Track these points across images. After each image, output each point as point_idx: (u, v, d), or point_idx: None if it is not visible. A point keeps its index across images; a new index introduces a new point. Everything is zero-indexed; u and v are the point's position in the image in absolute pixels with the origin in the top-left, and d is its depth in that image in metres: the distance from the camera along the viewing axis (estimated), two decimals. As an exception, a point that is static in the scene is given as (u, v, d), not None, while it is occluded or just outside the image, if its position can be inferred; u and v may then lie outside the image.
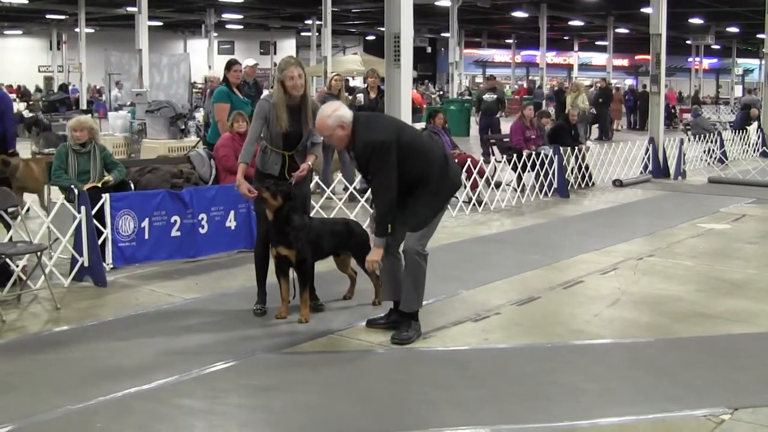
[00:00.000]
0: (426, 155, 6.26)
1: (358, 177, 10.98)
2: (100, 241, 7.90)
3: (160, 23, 43.11)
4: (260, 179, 6.73)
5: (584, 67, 56.89)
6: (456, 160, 12.49)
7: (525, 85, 48.25)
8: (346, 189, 11.46)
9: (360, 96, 14.12)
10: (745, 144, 21.23)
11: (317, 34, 39.87)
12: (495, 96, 20.85)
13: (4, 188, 7.85)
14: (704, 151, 19.52)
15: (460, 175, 6.62)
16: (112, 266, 8.12)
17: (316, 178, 10.48)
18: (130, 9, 29.03)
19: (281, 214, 6.55)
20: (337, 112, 6.14)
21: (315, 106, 6.84)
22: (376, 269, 6.54)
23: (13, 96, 34.37)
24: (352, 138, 6.15)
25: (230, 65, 10.53)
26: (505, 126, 18.40)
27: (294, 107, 6.72)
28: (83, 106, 31.49)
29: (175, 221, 8.52)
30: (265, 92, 12.25)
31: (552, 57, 53.60)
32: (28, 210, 8.35)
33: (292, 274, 6.78)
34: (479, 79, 61.30)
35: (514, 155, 13.62)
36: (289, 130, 6.70)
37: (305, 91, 6.80)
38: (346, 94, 15.77)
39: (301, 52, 49.42)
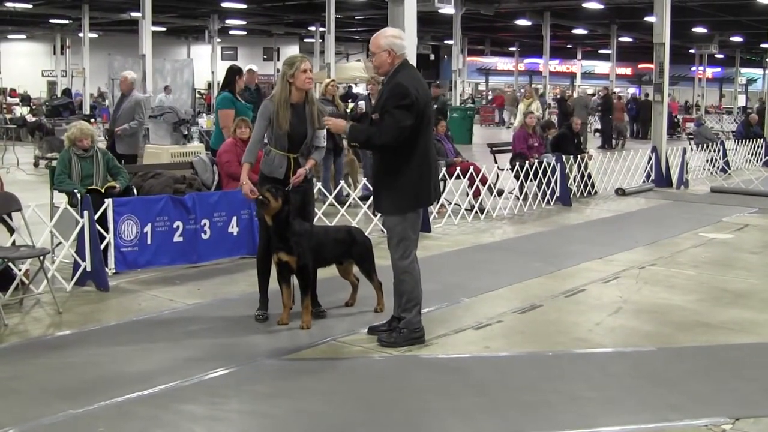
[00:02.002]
0: (423, 152, 6.22)
1: (360, 184, 10.97)
2: (102, 246, 7.90)
3: (164, 29, 43.13)
4: (264, 184, 6.72)
5: (587, 75, 56.89)
6: (459, 169, 12.59)
7: (506, 91, 47.74)
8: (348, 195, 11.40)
9: (361, 103, 14.08)
10: (748, 153, 21.22)
11: (320, 40, 39.87)
12: (435, 106, 19.86)
13: (7, 192, 7.86)
14: (707, 161, 19.52)
15: (433, 195, 6.46)
16: (114, 271, 8.12)
17: (318, 185, 10.47)
18: (133, 14, 29.09)
19: (281, 218, 6.55)
20: (396, 39, 6.23)
21: (321, 107, 6.86)
22: (329, 125, 6.51)
23: (15, 100, 34.50)
24: (393, 74, 6.20)
25: (241, 72, 10.63)
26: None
27: (298, 105, 6.71)
28: (86, 110, 31.49)
29: (178, 227, 8.52)
30: None
31: (555, 65, 53.60)
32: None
33: (294, 280, 6.78)
34: (482, 87, 61.44)
35: (517, 163, 13.63)
36: (293, 130, 6.68)
37: (310, 89, 6.80)
38: (342, 101, 15.73)
39: (304, 59, 49.29)
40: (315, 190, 7.85)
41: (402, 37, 6.31)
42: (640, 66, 57.29)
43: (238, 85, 10.47)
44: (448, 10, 32.81)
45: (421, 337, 6.36)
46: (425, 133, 6.22)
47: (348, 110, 14.56)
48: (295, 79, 6.63)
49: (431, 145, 6.40)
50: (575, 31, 43.29)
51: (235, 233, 9.01)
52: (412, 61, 10.88)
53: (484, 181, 12.74)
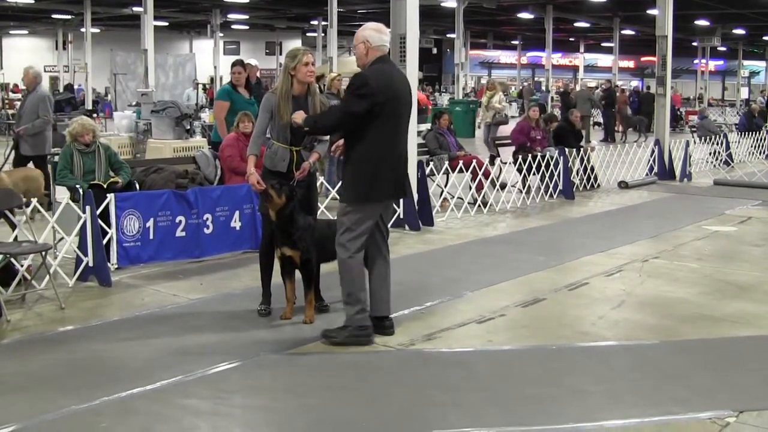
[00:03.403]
0: (380, 146, 6.16)
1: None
2: (104, 241, 7.89)
3: (166, 23, 43.12)
4: (267, 177, 6.71)
5: (590, 68, 56.79)
6: (462, 162, 12.58)
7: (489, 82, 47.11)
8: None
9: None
10: (751, 146, 21.19)
11: (323, 34, 39.85)
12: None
13: (8, 188, 7.86)
14: (710, 153, 19.49)
15: (393, 193, 6.41)
16: (116, 266, 8.11)
17: (321, 179, 10.47)
18: (135, 9, 29.02)
19: (284, 214, 6.54)
20: (373, 32, 6.27)
21: (323, 100, 6.86)
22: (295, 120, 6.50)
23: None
24: (367, 67, 6.27)
25: (231, 66, 10.62)
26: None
27: (300, 98, 6.70)
28: (89, 106, 31.49)
29: (180, 221, 8.52)
30: None
31: (558, 58, 53.52)
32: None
33: (297, 274, 6.77)
34: (484, 81, 61.36)
35: (520, 156, 13.61)
36: None
37: (312, 82, 6.79)
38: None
39: (306, 53, 49.27)
40: (318, 184, 7.85)
41: (381, 31, 6.30)
42: (642, 59, 57.23)
43: (236, 77, 10.42)
44: (450, 3, 32.94)
45: (368, 337, 6.21)
46: (383, 127, 6.13)
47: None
48: (296, 71, 6.63)
49: (394, 141, 6.26)
50: (578, 24, 43.22)
51: (237, 228, 9.01)
52: (414, 54, 11.00)
53: (486, 174, 12.73)
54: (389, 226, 10.59)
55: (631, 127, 28.80)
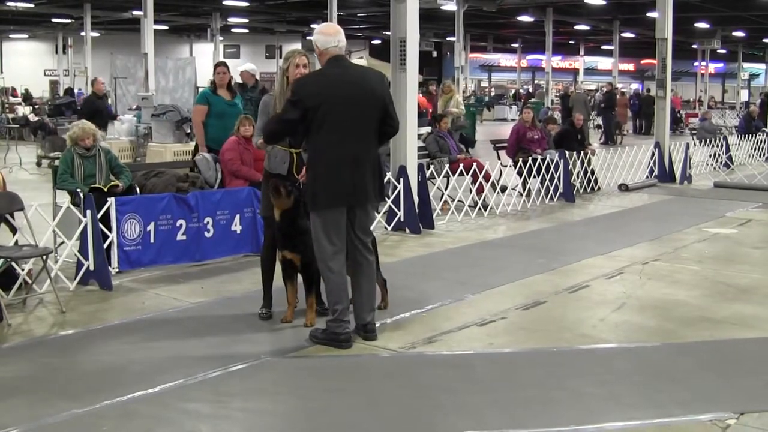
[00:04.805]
0: (326, 152, 6.05)
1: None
2: (105, 245, 7.90)
3: (166, 27, 43.17)
4: (268, 180, 6.72)
5: (590, 71, 56.80)
6: (462, 165, 12.58)
7: (444, 85, 46.23)
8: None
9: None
10: (751, 148, 21.19)
11: (323, 38, 39.83)
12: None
13: (10, 192, 7.86)
14: (710, 156, 19.49)
15: (344, 199, 6.11)
16: (117, 270, 8.12)
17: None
18: (135, 13, 29.07)
19: (289, 216, 6.55)
20: (320, 35, 6.22)
21: None
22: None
23: (18, 100, 34.48)
24: None
25: (215, 67, 10.59)
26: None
27: None
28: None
29: (181, 225, 8.52)
30: None
31: (558, 61, 53.54)
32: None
33: (299, 278, 6.78)
34: (485, 84, 61.38)
35: (520, 159, 13.62)
36: None
37: None
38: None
39: (306, 56, 49.30)
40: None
41: (327, 33, 6.22)
42: (642, 62, 57.25)
43: (220, 78, 10.36)
44: (450, 6, 32.94)
45: (341, 342, 6.14)
46: (325, 132, 6.02)
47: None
48: (289, 73, 6.66)
49: (343, 144, 6.04)
50: (578, 27, 43.25)
51: (238, 231, 9.01)
52: (414, 58, 10.99)
53: (487, 177, 12.74)
54: (390, 228, 10.65)
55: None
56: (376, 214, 8.68)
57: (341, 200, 6.11)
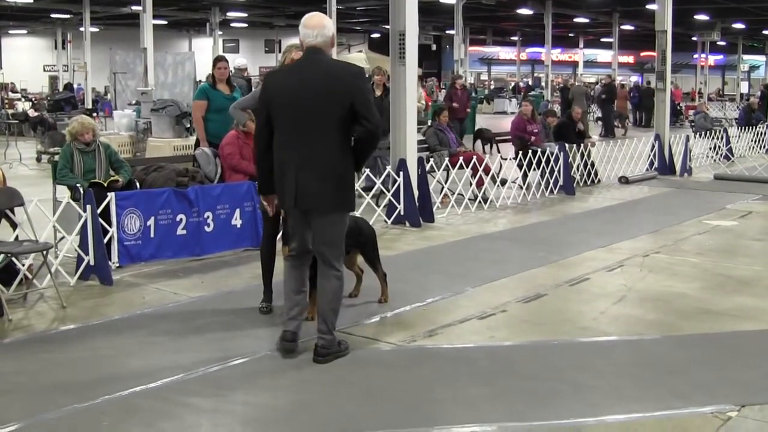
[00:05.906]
0: (287, 148, 5.66)
1: (363, 174, 10.94)
2: (105, 240, 7.90)
3: (165, 22, 43.09)
4: None
5: (590, 64, 56.81)
6: (462, 158, 12.58)
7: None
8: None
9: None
10: (751, 140, 21.18)
11: (322, 32, 39.79)
12: None
13: (9, 187, 7.86)
14: (710, 148, 19.48)
15: (289, 199, 5.68)
16: (117, 265, 8.12)
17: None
18: (134, 8, 29.04)
19: None
20: (301, 28, 5.73)
21: None
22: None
23: (17, 95, 34.47)
24: None
25: (215, 62, 10.53)
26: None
27: None
28: (88, 105, 31.48)
29: (181, 219, 8.52)
30: None
31: (557, 54, 53.50)
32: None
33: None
34: (484, 77, 61.35)
35: (520, 153, 13.61)
36: None
37: None
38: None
39: (305, 51, 49.22)
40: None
41: (307, 25, 5.71)
42: (642, 54, 57.26)
43: (220, 72, 10.33)
44: (449, -1, 32.91)
45: (281, 342, 5.92)
46: (277, 130, 5.71)
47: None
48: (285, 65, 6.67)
49: (293, 143, 5.64)
50: (577, 20, 43.24)
51: (238, 225, 9.01)
52: (413, 51, 10.97)
53: (487, 170, 12.73)
54: (390, 222, 10.63)
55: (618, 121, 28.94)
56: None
57: (286, 201, 5.74)
